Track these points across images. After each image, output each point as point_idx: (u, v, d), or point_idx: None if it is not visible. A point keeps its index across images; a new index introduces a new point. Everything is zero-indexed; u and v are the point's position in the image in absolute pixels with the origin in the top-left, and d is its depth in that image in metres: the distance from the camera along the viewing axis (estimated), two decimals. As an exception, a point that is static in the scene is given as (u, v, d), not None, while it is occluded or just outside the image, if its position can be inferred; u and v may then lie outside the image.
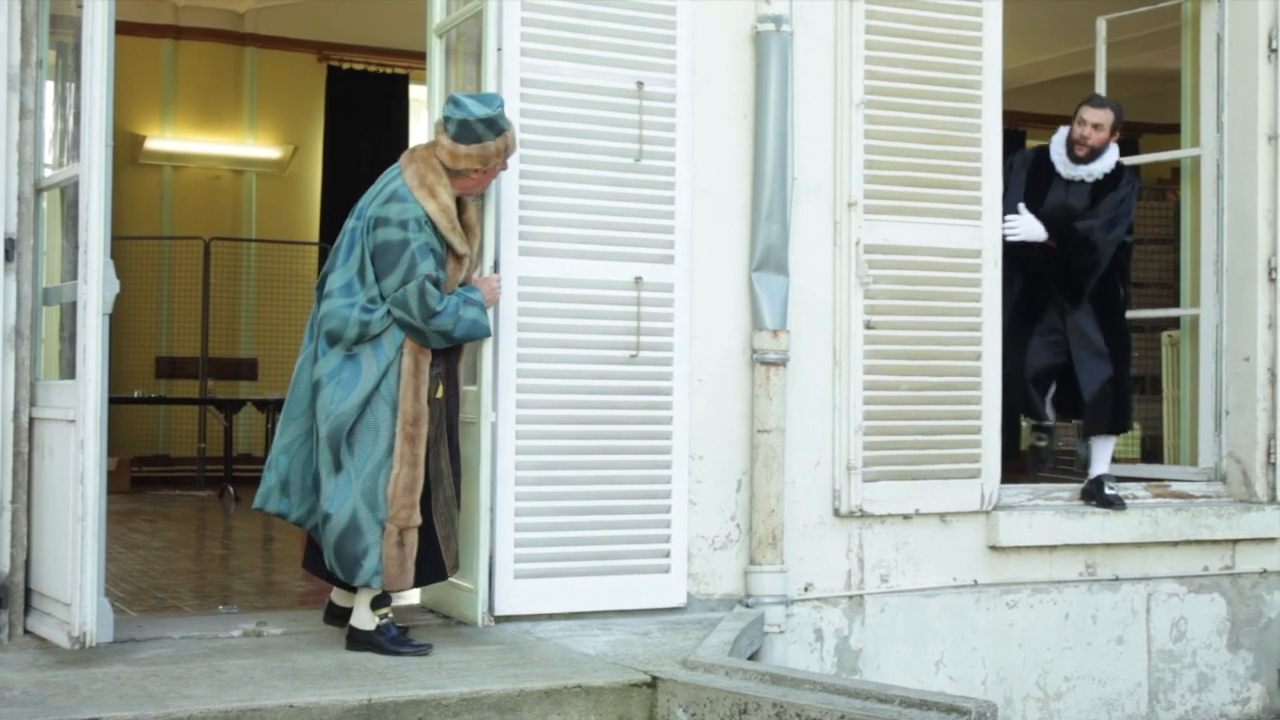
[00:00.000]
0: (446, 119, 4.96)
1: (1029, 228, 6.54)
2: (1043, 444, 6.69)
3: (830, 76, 6.11)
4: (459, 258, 5.01)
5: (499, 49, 5.40)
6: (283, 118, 12.85)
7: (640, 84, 5.69)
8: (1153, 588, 6.70)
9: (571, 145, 5.58)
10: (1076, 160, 6.70)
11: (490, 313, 5.16)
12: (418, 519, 4.89)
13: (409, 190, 4.92)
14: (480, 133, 4.94)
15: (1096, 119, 6.65)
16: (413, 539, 4.89)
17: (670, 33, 5.77)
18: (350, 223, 5.01)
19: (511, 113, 5.38)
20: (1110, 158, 6.73)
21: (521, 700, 4.36)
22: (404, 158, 5.07)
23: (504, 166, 5.10)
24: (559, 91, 5.56)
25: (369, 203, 4.98)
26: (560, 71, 5.56)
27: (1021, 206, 6.55)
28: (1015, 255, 6.56)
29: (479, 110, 4.94)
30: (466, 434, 5.23)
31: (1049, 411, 6.79)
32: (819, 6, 6.08)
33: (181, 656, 4.72)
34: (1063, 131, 6.78)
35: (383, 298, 4.87)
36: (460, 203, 5.08)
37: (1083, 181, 6.72)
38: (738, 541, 5.86)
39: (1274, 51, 7.03)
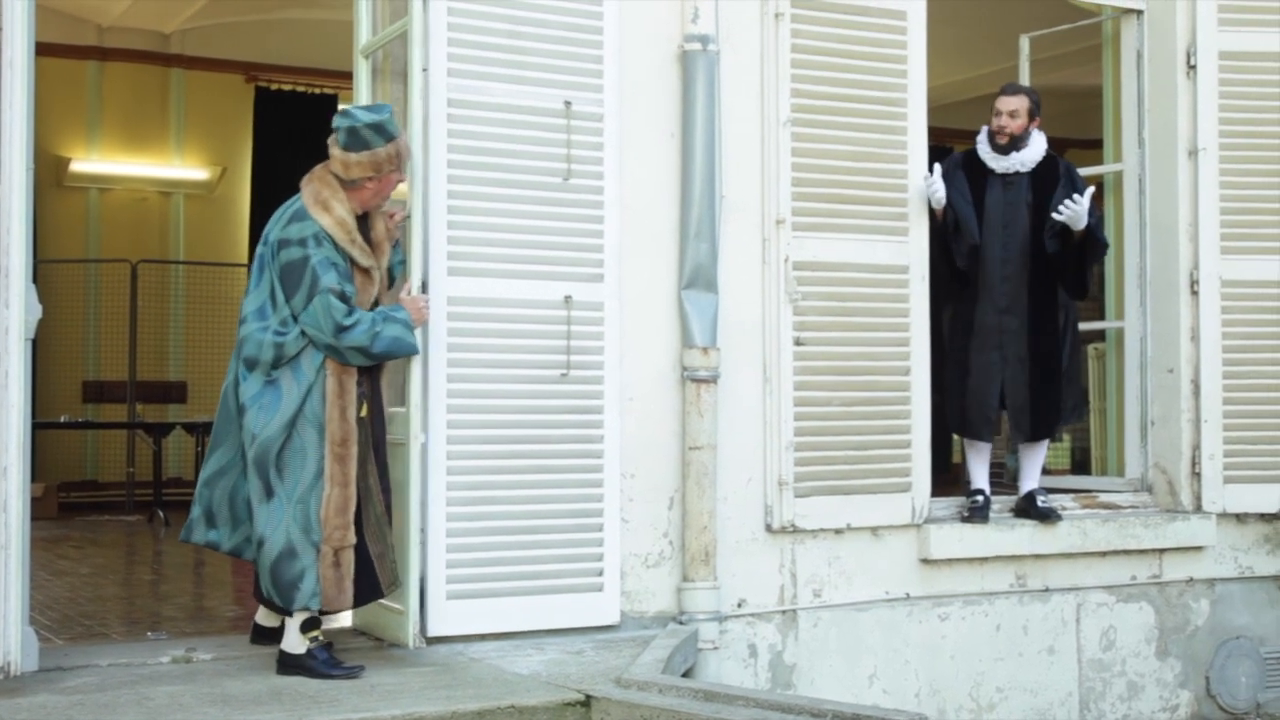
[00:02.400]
0: (336, 129, 5.00)
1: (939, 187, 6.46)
2: (981, 500, 6.70)
3: (757, 95, 6.15)
4: (366, 272, 5.01)
5: (425, 69, 5.39)
6: (210, 139, 12.76)
7: (568, 103, 5.70)
8: (1082, 598, 6.77)
9: (500, 165, 5.57)
10: (1001, 151, 6.70)
11: (419, 333, 5.15)
12: (352, 538, 4.88)
13: (306, 209, 4.95)
14: (369, 139, 4.95)
15: (1011, 106, 6.68)
16: (349, 558, 4.87)
17: (598, 52, 5.78)
18: (260, 248, 5.04)
19: (439, 133, 5.39)
20: (1038, 146, 6.72)
21: (454, 722, 4.34)
22: (304, 179, 5.08)
23: (400, 177, 5.11)
24: (487, 111, 5.55)
25: (274, 226, 5.00)
26: (488, 91, 5.56)
27: (938, 168, 6.47)
28: (946, 273, 6.61)
29: (366, 117, 4.99)
30: (396, 455, 5.21)
31: (990, 431, 6.79)
32: (745, 26, 6.12)
33: (108, 684, 4.66)
34: (986, 129, 6.80)
35: (295, 319, 4.86)
36: (368, 218, 5.08)
37: (1018, 173, 6.71)
38: (671, 559, 5.87)
39: (1193, 68, 7.14)
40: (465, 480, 5.43)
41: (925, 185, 6.40)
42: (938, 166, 6.46)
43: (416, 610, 5.21)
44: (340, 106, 5.16)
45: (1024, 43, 8.01)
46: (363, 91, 5.79)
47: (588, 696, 4.56)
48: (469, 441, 5.46)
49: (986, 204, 6.70)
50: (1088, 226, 6.55)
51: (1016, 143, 6.69)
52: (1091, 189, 6.59)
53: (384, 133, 5.00)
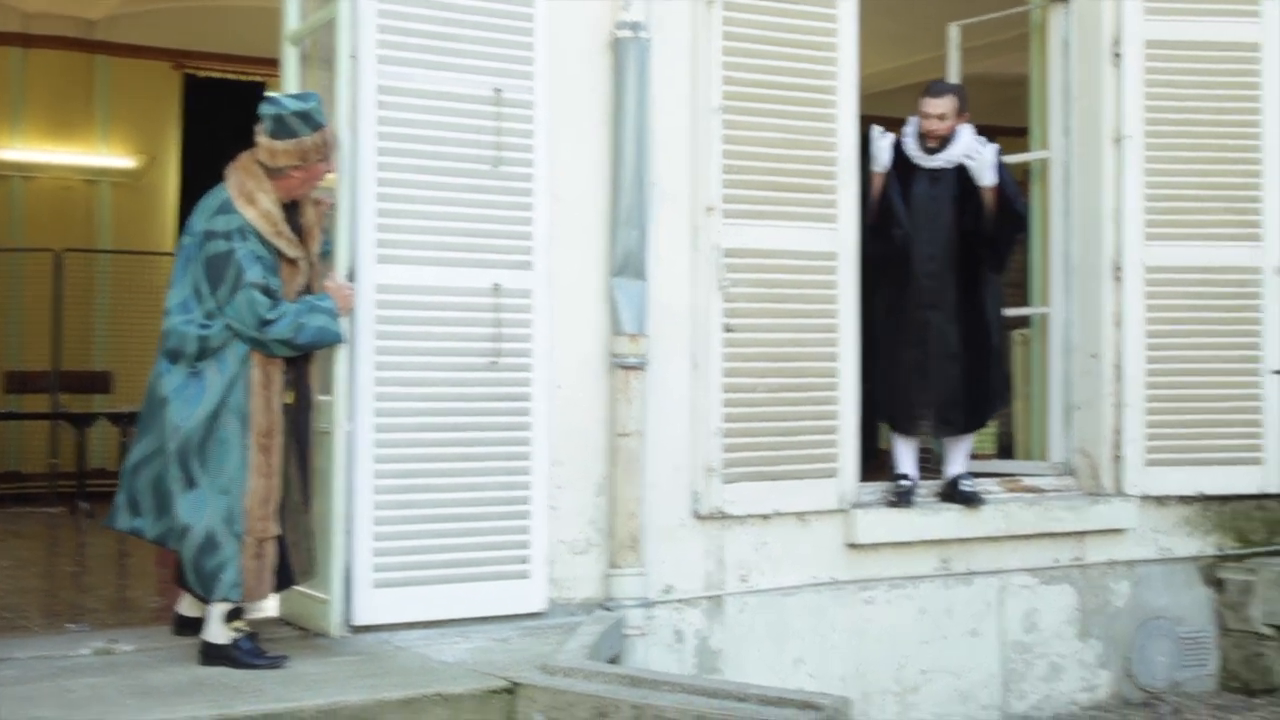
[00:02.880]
0: (262, 117, 4.96)
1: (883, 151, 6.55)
2: (907, 485, 6.75)
3: (688, 82, 6.15)
4: (293, 262, 4.97)
5: (353, 56, 5.36)
6: (137, 127, 12.61)
7: (498, 90, 5.68)
8: (1005, 580, 6.84)
9: (429, 152, 5.55)
10: (929, 151, 6.73)
11: (345, 321, 5.12)
12: (275, 529, 4.86)
13: (231, 200, 4.91)
14: (295, 127, 4.93)
15: (939, 109, 6.67)
16: (271, 550, 4.86)
17: (528, 39, 5.77)
18: (184, 239, 4.99)
19: (368, 120, 5.36)
20: (965, 140, 6.72)
21: (379, 710, 4.33)
22: (228, 169, 5.04)
23: (328, 168, 5.08)
24: (416, 99, 5.52)
25: (198, 217, 4.97)
26: (417, 78, 5.53)
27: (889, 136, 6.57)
28: (882, 263, 6.65)
29: (293, 105, 4.97)
30: (321, 443, 5.18)
31: (922, 427, 6.83)
32: (676, 13, 6.12)
33: (28, 677, 4.61)
34: (914, 121, 6.79)
35: (219, 311, 4.82)
36: (297, 206, 5.05)
37: (944, 169, 6.74)
38: (598, 545, 5.87)
39: (1118, 57, 7.22)
40: (392, 469, 5.41)
41: (873, 139, 6.41)
42: (888, 134, 6.51)
43: (342, 599, 5.19)
44: (267, 94, 5.11)
45: (953, 31, 8.08)
46: (291, 79, 5.75)
47: (513, 684, 4.56)
48: (396, 430, 5.43)
49: (913, 197, 6.73)
50: (1004, 196, 6.57)
51: (944, 142, 6.72)
52: (997, 146, 6.62)
53: (311, 121, 4.97)
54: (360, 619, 5.30)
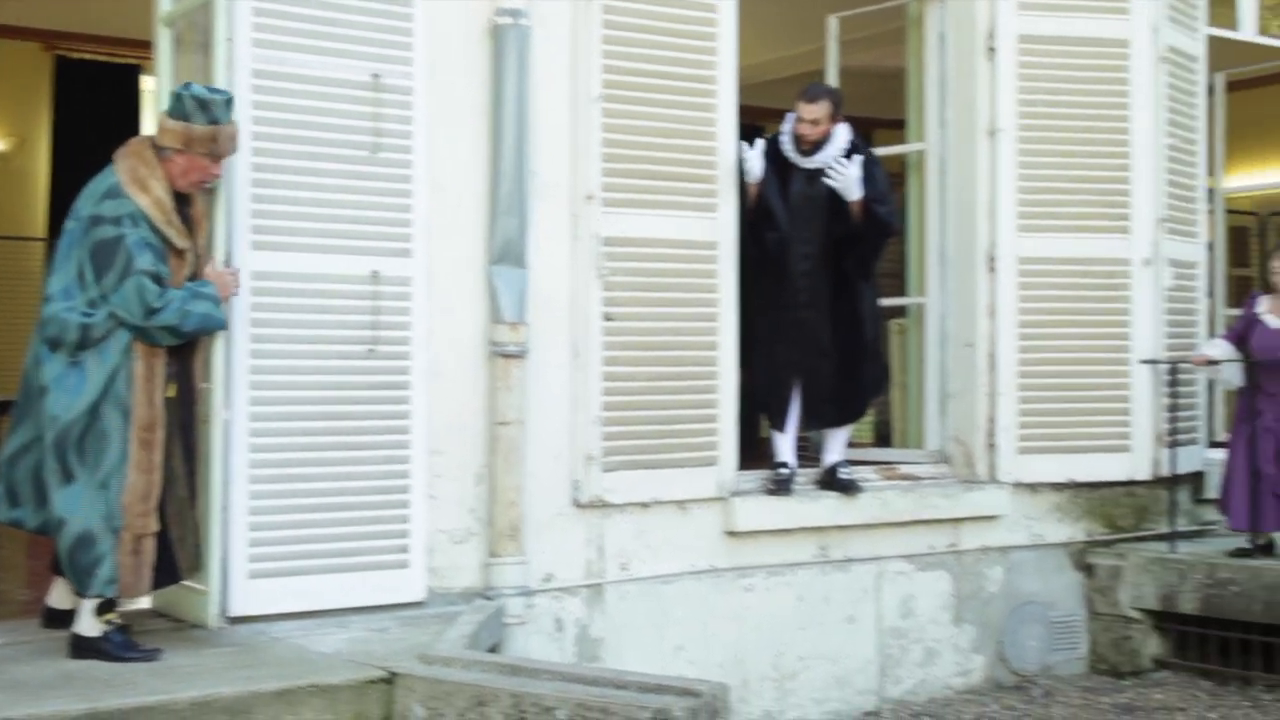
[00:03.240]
0: (169, 96, 4.88)
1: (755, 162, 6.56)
2: (786, 473, 6.81)
3: (568, 71, 6.15)
4: (180, 253, 4.90)
5: (229, 39, 5.28)
6: (6, 109, 12.30)
7: (376, 76, 5.63)
8: (882, 567, 6.94)
9: (306, 138, 5.49)
10: (804, 153, 6.78)
11: (224, 307, 5.05)
12: (154, 525, 4.78)
13: (122, 185, 4.81)
14: (190, 111, 4.86)
15: (813, 115, 6.69)
16: (149, 546, 4.77)
17: (407, 25, 5.72)
18: (68, 223, 4.87)
19: (243, 105, 5.27)
20: (840, 140, 6.75)
21: (254, 702, 4.27)
22: (118, 153, 4.94)
23: (213, 168, 4.97)
24: (293, 83, 5.46)
25: (85, 202, 4.85)
26: (294, 63, 5.46)
27: (760, 144, 6.60)
28: (761, 260, 6.69)
29: (199, 90, 4.91)
30: (199, 432, 5.11)
31: (795, 421, 6.88)
32: (557, 1, 6.11)
33: (-109, 672, 4.49)
34: (791, 119, 6.83)
35: (104, 299, 4.73)
36: (188, 196, 4.97)
37: (821, 170, 6.76)
38: (478, 534, 5.86)
39: (992, 51, 7.35)
40: (269, 458, 5.35)
41: (743, 155, 6.45)
42: (760, 142, 6.55)
43: (218, 590, 5.13)
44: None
45: (832, 23, 8.17)
46: (164, 62, 5.64)
47: (391, 674, 4.53)
48: (273, 418, 5.37)
49: (790, 196, 6.76)
50: (870, 208, 6.63)
51: (819, 145, 6.76)
52: (861, 158, 6.65)
53: (207, 111, 4.88)
54: (237, 610, 5.24)
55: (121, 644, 4.73)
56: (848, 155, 6.71)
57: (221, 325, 5.00)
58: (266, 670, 4.57)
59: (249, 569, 5.28)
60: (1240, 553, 7.17)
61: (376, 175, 5.62)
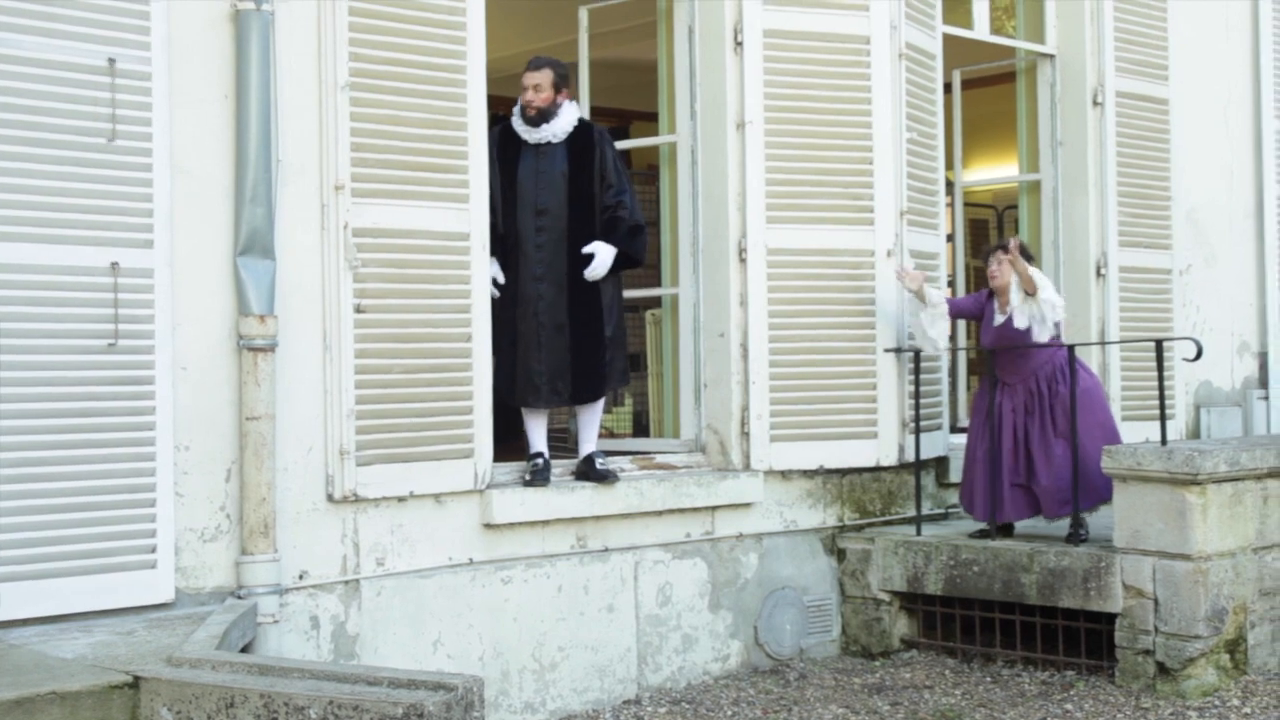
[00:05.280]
0: None
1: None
2: (540, 464, 6.81)
3: (314, 58, 6.02)
4: None
5: (-52, 19, 5.04)
6: None
7: (112, 60, 5.43)
8: (640, 556, 7.00)
9: (36, 124, 5.26)
10: (531, 123, 6.85)
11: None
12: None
13: None
14: None
15: (535, 80, 6.82)
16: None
17: (144, 8, 5.53)
18: None
19: (-33, 88, 5.04)
20: (568, 116, 6.89)
21: (-12, 712, 4.09)
22: None
23: None
24: (20, 66, 5.22)
25: None
26: (21, 45, 5.23)
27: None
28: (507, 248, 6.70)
29: None
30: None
31: (538, 398, 6.88)
32: (302, -14, 6.00)
33: None
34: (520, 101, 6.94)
35: None
36: None
37: (550, 144, 6.85)
38: (229, 532, 5.71)
39: (740, 44, 7.47)
40: (7, 457, 5.11)
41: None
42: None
43: (-50, 597, 4.89)
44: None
45: (583, 15, 8.20)
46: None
47: (136, 678, 4.38)
48: (10, 416, 5.14)
49: (520, 174, 6.84)
50: (621, 248, 6.83)
51: (546, 115, 6.85)
52: (613, 249, 6.82)
53: None
54: (-31, 617, 5.01)
55: None
56: (580, 132, 6.88)
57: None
58: (3, 679, 4.36)
59: (-18, 574, 5.05)
60: (981, 534, 7.43)
61: (114, 164, 5.42)
